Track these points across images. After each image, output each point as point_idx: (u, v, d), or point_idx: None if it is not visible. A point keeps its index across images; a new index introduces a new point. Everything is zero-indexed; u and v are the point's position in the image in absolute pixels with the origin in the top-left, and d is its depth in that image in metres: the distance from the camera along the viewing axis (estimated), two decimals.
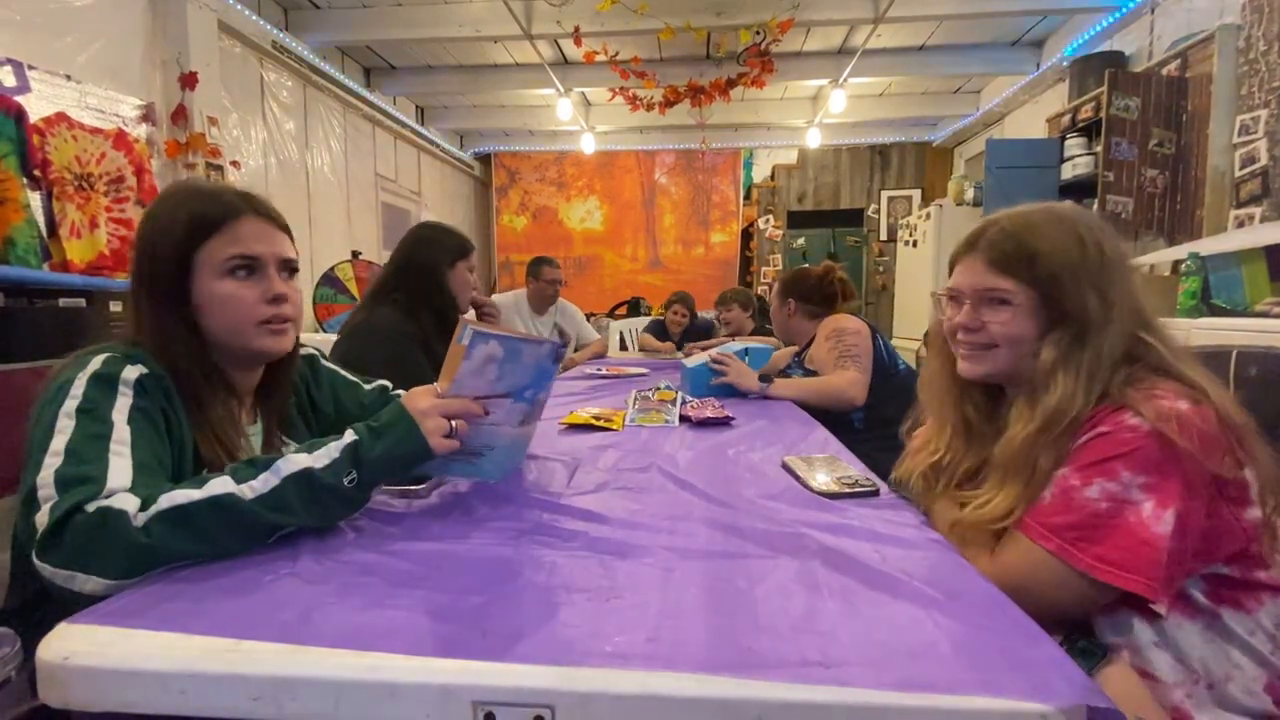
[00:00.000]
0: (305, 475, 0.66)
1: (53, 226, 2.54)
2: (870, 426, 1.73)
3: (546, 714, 0.44)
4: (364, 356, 1.48)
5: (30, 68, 2.53)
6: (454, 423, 0.74)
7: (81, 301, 2.33)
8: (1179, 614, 0.67)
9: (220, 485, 0.63)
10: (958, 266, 0.84)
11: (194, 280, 0.79)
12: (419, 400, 0.74)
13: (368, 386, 1.12)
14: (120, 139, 2.84)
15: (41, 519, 0.59)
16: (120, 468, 0.64)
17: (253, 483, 0.64)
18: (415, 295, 1.69)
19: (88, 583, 0.58)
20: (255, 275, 0.81)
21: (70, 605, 0.55)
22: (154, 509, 0.60)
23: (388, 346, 1.57)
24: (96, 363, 0.72)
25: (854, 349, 1.77)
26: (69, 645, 0.48)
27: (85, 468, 0.63)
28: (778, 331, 2.15)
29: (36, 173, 2.47)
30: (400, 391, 1.14)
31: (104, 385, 0.71)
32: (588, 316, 3.63)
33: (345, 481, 0.68)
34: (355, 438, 0.70)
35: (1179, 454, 0.64)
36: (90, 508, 0.59)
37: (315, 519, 0.68)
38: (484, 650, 0.47)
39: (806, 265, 2.25)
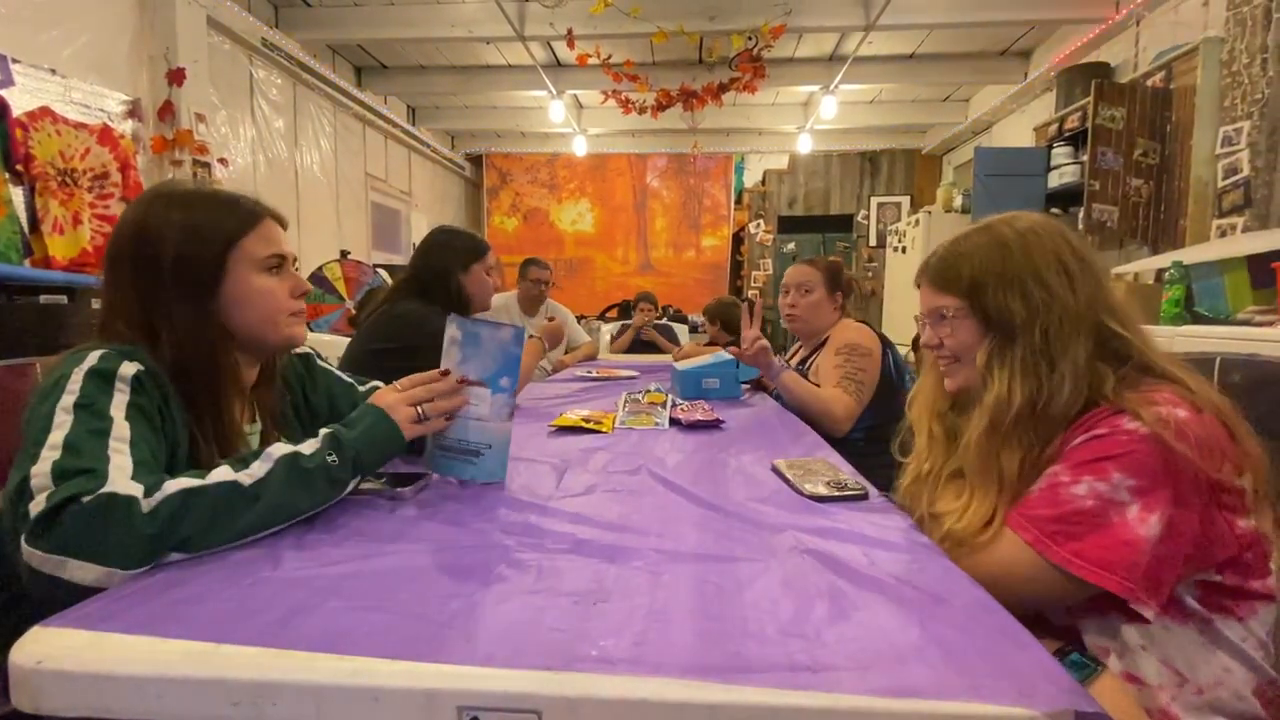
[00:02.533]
0: (294, 457, 0.71)
1: (35, 222, 2.50)
2: (871, 442, 1.65)
3: (532, 719, 0.43)
4: (411, 337, 1.58)
5: (14, 61, 2.49)
6: (421, 408, 0.82)
7: (63, 298, 2.30)
8: (1168, 618, 0.68)
9: (222, 473, 0.67)
10: (920, 293, 0.89)
11: (226, 279, 0.83)
12: (384, 395, 0.83)
13: (362, 388, 1.12)
14: (105, 135, 2.80)
15: (35, 507, 0.58)
16: (120, 464, 0.64)
17: (249, 469, 0.68)
18: (432, 298, 1.73)
19: (80, 569, 0.57)
20: (282, 271, 0.88)
21: (51, 602, 0.54)
22: (160, 494, 0.62)
23: (429, 324, 1.63)
24: (93, 358, 0.72)
25: (859, 374, 1.66)
26: (42, 649, 0.47)
27: (85, 461, 0.62)
28: (812, 325, 1.88)
29: (19, 167, 2.43)
30: None
31: (101, 381, 0.70)
32: (578, 319, 3.63)
33: (329, 461, 0.73)
34: (329, 430, 0.77)
35: (1175, 461, 0.64)
36: (88, 499, 0.59)
37: (307, 498, 0.72)
38: (469, 654, 0.47)
39: (829, 257, 2.07)
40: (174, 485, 0.63)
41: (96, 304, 2.42)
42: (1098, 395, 0.72)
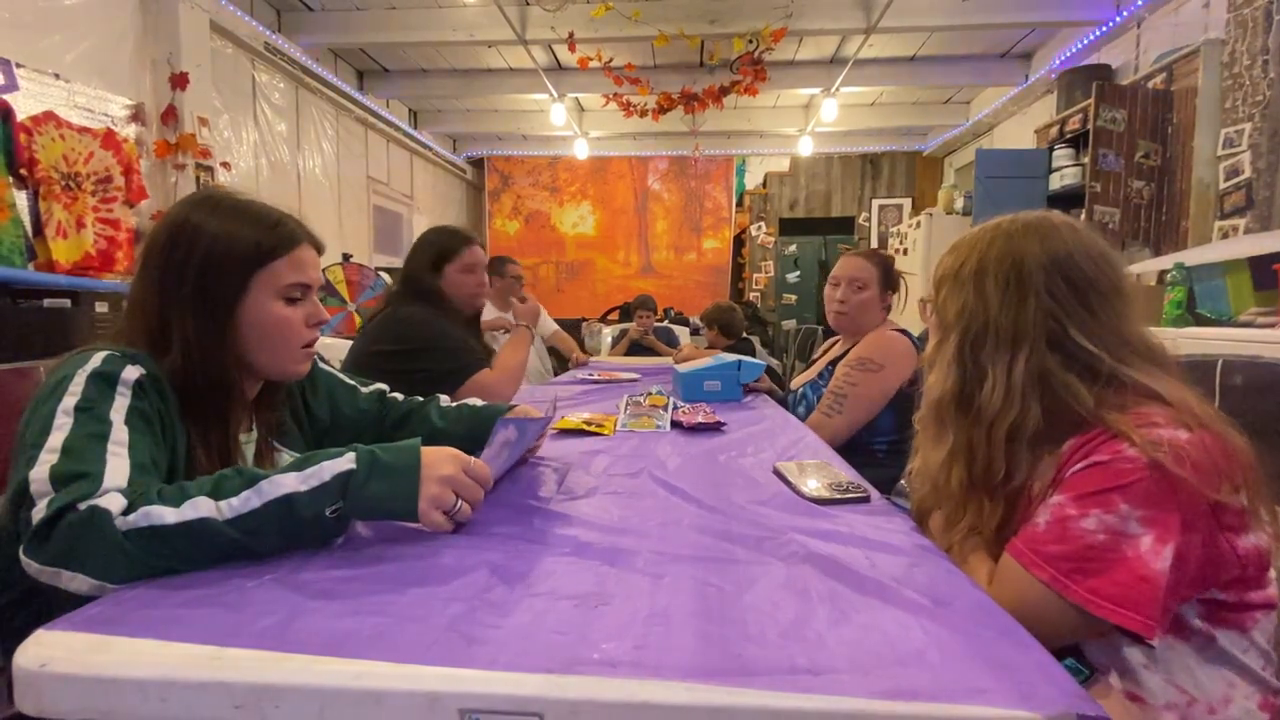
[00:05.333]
0: (287, 501, 0.62)
1: (38, 226, 2.52)
2: (892, 454, 1.59)
3: None
4: (411, 340, 1.61)
5: (18, 66, 2.50)
6: (459, 503, 0.70)
7: (67, 302, 2.31)
8: (1170, 636, 0.67)
9: (195, 508, 0.60)
10: None
11: (246, 298, 0.80)
12: (443, 465, 0.69)
13: (365, 390, 1.12)
14: (109, 139, 2.82)
15: (36, 514, 0.58)
16: (117, 468, 0.63)
17: (232, 500, 0.61)
18: (416, 300, 1.73)
19: (74, 580, 0.57)
20: (303, 299, 0.85)
21: (56, 602, 0.54)
22: (132, 520, 0.58)
23: (430, 327, 1.65)
24: (97, 360, 0.71)
25: (849, 388, 1.58)
26: (46, 652, 0.47)
27: (82, 465, 0.62)
28: (854, 319, 1.74)
29: (23, 171, 2.45)
30: (398, 396, 1.15)
31: (103, 384, 0.70)
32: (580, 321, 3.65)
33: (328, 512, 0.64)
34: (352, 468, 0.65)
35: (1179, 487, 0.63)
36: (82, 506, 0.58)
37: (289, 547, 0.64)
38: (471, 657, 0.47)
39: (883, 251, 1.93)
40: (144, 518, 0.58)
41: (101, 308, 2.45)
42: (1081, 412, 0.71)
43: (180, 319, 0.78)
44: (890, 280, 1.74)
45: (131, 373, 0.72)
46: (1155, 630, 0.62)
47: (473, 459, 0.73)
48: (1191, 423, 0.66)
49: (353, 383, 1.11)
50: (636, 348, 4.03)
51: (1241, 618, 0.67)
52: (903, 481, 0.98)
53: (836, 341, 1.87)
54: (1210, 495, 0.63)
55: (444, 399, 1.18)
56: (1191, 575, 0.64)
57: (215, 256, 0.79)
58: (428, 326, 1.65)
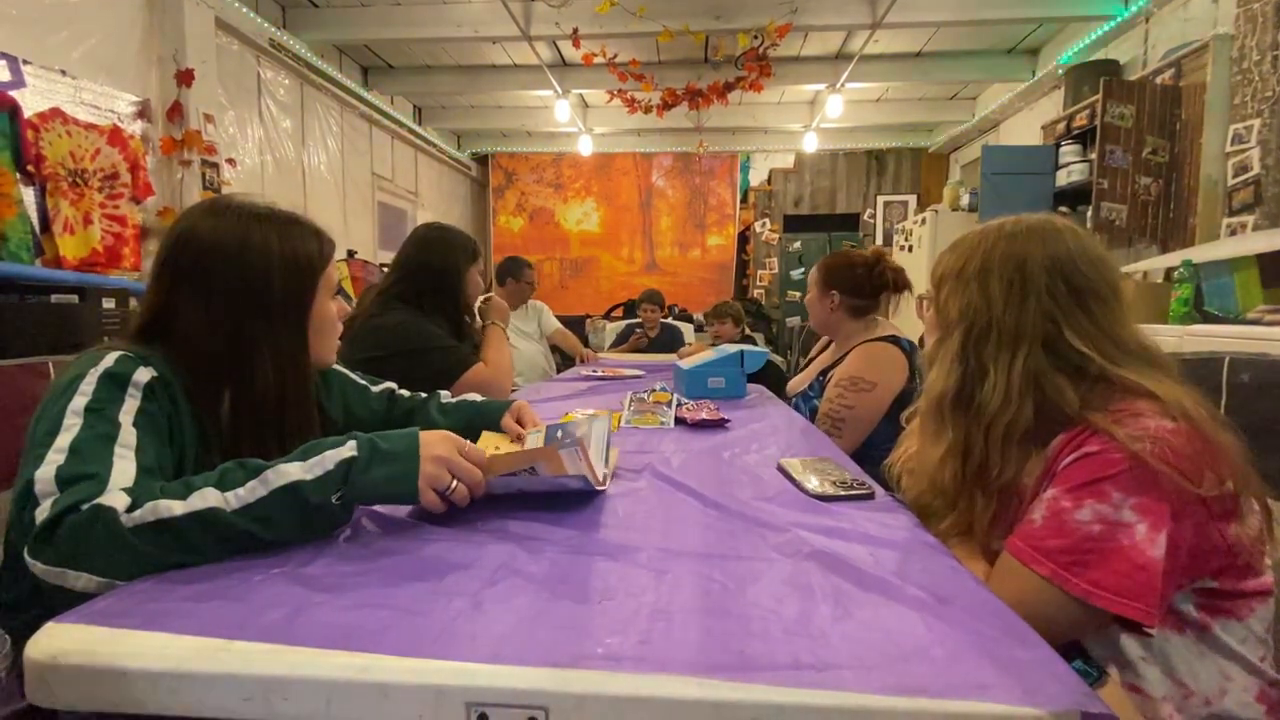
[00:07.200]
0: (293, 489, 0.63)
1: (46, 222, 2.53)
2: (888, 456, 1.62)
3: (540, 715, 0.43)
4: (396, 355, 1.55)
5: (25, 62, 2.51)
6: (454, 484, 0.71)
7: (74, 298, 2.32)
8: (1168, 628, 0.67)
9: (202, 498, 0.61)
10: None
11: (316, 302, 0.85)
12: (438, 446, 0.71)
13: (375, 389, 1.13)
14: (115, 135, 2.83)
15: (40, 514, 0.59)
16: (124, 470, 0.64)
17: (239, 490, 0.62)
18: (429, 299, 1.68)
19: (79, 580, 0.57)
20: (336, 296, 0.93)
21: (60, 602, 0.55)
22: (139, 515, 0.59)
23: (416, 331, 1.62)
24: (109, 360, 0.71)
25: (844, 410, 1.59)
26: (57, 644, 0.47)
27: (88, 467, 0.62)
28: (815, 323, 1.87)
29: (30, 168, 2.46)
30: (405, 393, 1.16)
31: (114, 385, 0.70)
32: (584, 318, 3.67)
33: (333, 499, 0.65)
34: (353, 455, 0.67)
35: (1168, 475, 0.64)
36: (85, 506, 0.58)
37: (297, 534, 0.65)
38: (476, 651, 0.47)
39: (850, 249, 1.93)
40: (151, 512, 0.59)
41: (108, 303, 2.46)
42: (1068, 410, 0.72)
43: (266, 334, 0.80)
44: (830, 281, 1.77)
45: (143, 375, 0.72)
46: (1155, 618, 0.62)
47: (468, 443, 0.75)
48: (1178, 414, 0.67)
49: (364, 383, 1.12)
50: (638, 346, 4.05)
51: (1237, 606, 0.67)
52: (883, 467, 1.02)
53: (830, 346, 1.90)
54: (1194, 484, 0.63)
55: (445, 394, 1.19)
56: (1184, 562, 0.65)
57: (296, 269, 0.82)
58: (413, 330, 1.62)
